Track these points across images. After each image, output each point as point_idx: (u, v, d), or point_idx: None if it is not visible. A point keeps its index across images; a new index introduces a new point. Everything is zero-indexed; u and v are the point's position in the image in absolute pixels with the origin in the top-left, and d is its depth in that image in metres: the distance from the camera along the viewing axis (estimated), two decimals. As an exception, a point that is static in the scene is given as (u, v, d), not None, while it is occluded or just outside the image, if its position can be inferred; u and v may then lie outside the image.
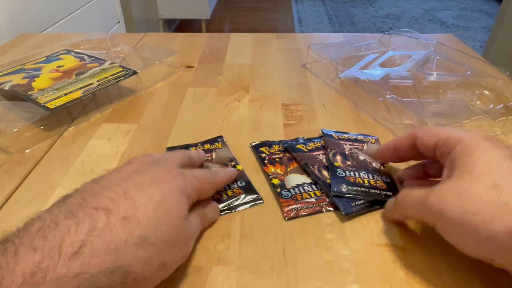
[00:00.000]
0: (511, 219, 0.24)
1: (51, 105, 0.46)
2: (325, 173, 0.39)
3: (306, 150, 0.43)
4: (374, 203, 0.36)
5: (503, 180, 0.25)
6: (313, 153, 0.42)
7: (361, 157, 0.38)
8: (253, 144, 0.45)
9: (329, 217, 0.35)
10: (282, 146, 0.44)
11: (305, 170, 0.40)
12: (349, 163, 0.40)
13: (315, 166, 0.40)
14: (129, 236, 0.23)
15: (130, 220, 0.23)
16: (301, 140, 0.45)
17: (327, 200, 0.37)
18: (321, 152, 0.43)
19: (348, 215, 0.35)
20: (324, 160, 0.41)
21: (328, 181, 0.38)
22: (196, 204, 0.32)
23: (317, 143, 0.44)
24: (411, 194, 0.30)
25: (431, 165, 0.36)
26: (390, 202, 0.34)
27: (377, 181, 0.38)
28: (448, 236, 0.28)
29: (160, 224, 0.25)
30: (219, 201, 0.37)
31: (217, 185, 0.35)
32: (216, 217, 0.35)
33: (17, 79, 0.52)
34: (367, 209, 0.36)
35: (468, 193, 0.26)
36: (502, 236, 0.24)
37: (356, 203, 0.36)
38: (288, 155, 0.43)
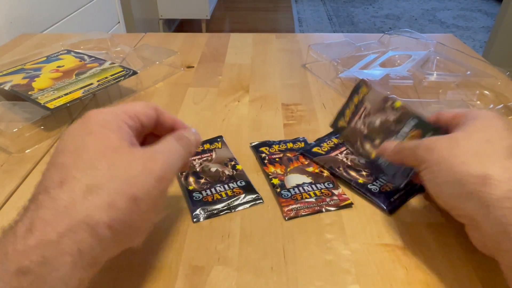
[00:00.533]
0: (485, 167, 0.27)
1: (51, 105, 0.46)
2: (352, 172, 0.39)
3: (323, 152, 0.42)
4: (411, 191, 0.38)
5: (496, 139, 0.28)
6: (332, 154, 0.42)
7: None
8: (253, 144, 0.45)
9: (329, 217, 0.35)
10: (298, 152, 0.43)
11: (332, 174, 0.40)
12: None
13: (340, 168, 0.40)
14: (72, 192, 0.22)
15: (66, 180, 0.22)
16: (301, 139, 0.45)
17: (327, 200, 0.37)
18: (338, 151, 0.43)
19: (393, 212, 0.36)
20: (344, 159, 0.41)
21: (360, 180, 0.38)
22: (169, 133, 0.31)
23: (329, 142, 0.44)
24: (410, 141, 0.34)
25: None
26: (389, 144, 0.36)
27: None
28: (428, 175, 0.30)
29: (96, 165, 0.23)
30: (219, 201, 0.37)
31: (149, 105, 0.30)
32: (199, 138, 0.32)
33: (17, 79, 0.52)
34: (406, 199, 0.37)
35: (459, 141, 0.29)
36: (471, 179, 0.27)
37: (395, 197, 0.37)
38: (288, 155, 0.43)
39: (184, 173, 0.40)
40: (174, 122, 0.32)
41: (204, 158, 0.42)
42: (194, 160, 0.42)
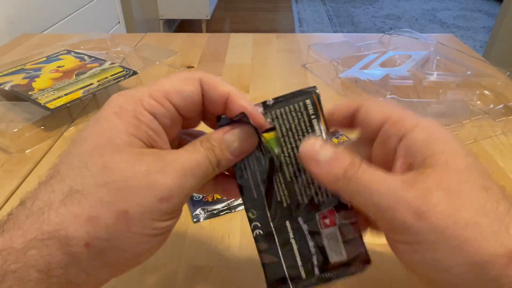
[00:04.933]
0: (507, 238, 0.18)
1: (51, 105, 0.46)
2: None
3: None
4: None
5: (489, 181, 0.19)
6: None
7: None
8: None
9: (329, 217, 0.35)
10: None
11: None
12: None
13: None
14: (52, 193, 0.18)
15: (53, 175, 0.19)
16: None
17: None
18: None
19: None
20: None
21: None
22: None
23: (341, 137, 0.43)
24: (370, 173, 0.20)
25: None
26: (337, 164, 0.21)
27: None
28: (419, 254, 0.19)
29: (88, 163, 0.19)
30: (219, 201, 0.37)
31: (189, 77, 0.22)
32: (246, 144, 0.22)
33: (18, 79, 0.52)
34: None
35: (461, 195, 0.19)
36: (495, 260, 0.18)
37: None
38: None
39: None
40: (228, 97, 0.22)
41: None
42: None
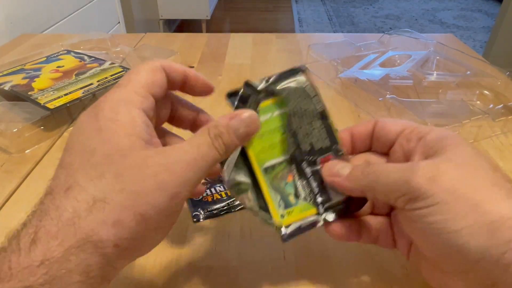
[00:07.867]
0: None
1: (51, 105, 0.46)
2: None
3: None
4: None
5: (496, 167, 0.22)
6: None
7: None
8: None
9: (329, 217, 0.35)
10: None
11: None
12: None
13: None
14: (77, 203, 0.20)
15: (72, 186, 0.20)
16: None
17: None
18: None
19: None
20: None
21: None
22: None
23: None
24: (385, 164, 0.25)
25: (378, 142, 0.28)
26: (339, 167, 0.26)
27: None
28: (434, 216, 0.21)
29: (104, 172, 0.20)
30: (219, 200, 0.37)
31: (154, 67, 0.24)
32: (251, 128, 0.25)
33: (17, 79, 0.52)
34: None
35: (469, 168, 0.21)
36: (508, 222, 0.19)
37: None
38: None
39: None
40: (185, 76, 0.26)
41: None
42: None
